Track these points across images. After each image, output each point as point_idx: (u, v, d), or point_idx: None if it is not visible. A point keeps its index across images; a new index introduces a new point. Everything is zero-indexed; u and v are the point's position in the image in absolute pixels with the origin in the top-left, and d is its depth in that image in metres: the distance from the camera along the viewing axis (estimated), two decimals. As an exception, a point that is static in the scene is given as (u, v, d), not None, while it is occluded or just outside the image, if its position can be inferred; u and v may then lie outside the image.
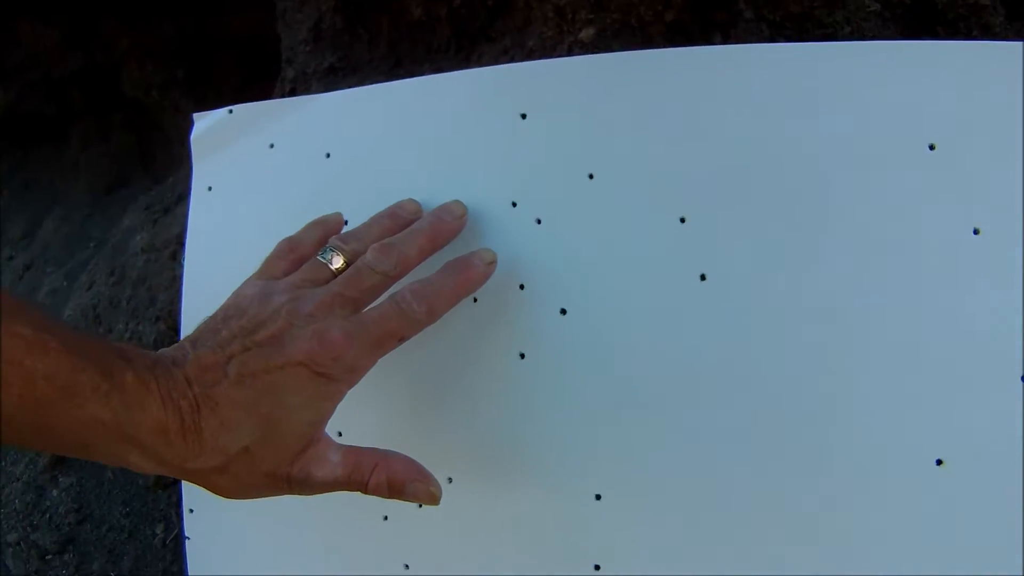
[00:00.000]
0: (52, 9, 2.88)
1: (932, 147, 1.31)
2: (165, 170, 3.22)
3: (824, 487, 1.28)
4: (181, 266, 2.35)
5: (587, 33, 1.51)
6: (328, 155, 1.64)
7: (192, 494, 1.78)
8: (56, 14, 2.91)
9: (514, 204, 1.47)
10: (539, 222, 1.46)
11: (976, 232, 1.29)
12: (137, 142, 3.33)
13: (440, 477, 1.38)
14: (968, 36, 1.72)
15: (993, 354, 1.24)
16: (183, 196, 2.55)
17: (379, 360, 1.29)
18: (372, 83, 1.67)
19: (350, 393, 1.28)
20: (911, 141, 1.31)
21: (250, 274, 1.44)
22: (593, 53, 1.46)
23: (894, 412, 1.27)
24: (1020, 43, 1.36)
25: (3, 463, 2.51)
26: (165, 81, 3.06)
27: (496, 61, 1.65)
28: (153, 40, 2.99)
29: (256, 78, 2.96)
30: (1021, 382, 1.25)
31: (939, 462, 1.26)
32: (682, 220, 1.39)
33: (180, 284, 2.01)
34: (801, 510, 1.29)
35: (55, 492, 2.46)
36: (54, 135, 3.40)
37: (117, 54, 3.04)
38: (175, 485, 2.38)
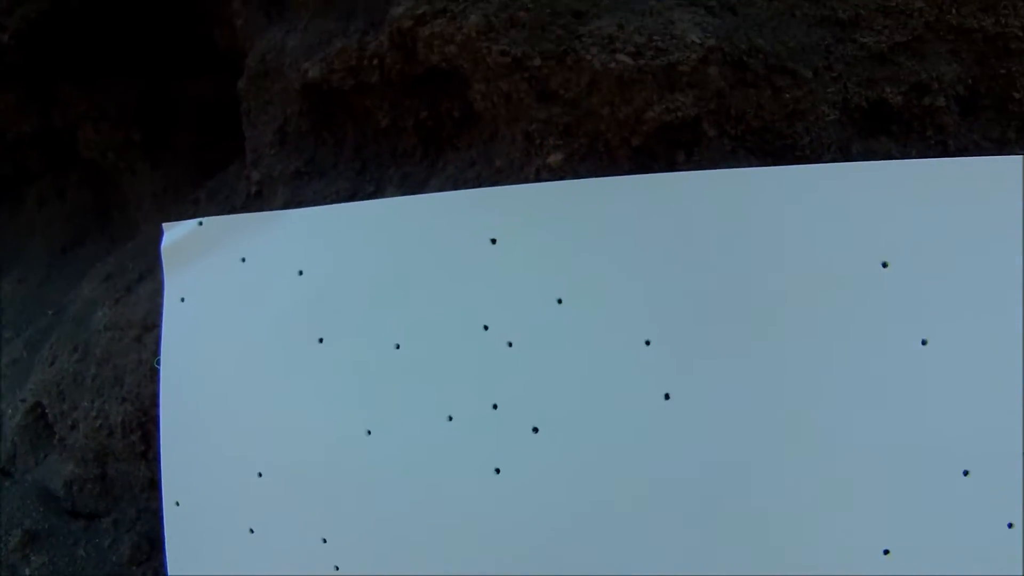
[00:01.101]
0: (7, 72, 2.84)
1: (885, 264, 1.42)
2: (122, 231, 3.20)
3: None
4: (147, 349, 2.37)
5: (555, 158, 1.56)
6: (300, 272, 1.67)
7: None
8: (11, 77, 2.88)
9: (486, 327, 1.53)
10: (510, 345, 1.53)
11: (924, 343, 1.40)
12: (93, 202, 3.30)
13: (424, 586, 1.44)
14: (923, 135, 1.81)
15: (941, 454, 1.37)
16: (144, 275, 2.55)
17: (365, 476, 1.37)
18: (338, 188, 1.71)
19: (339, 507, 1.39)
20: (865, 259, 1.42)
21: (227, 385, 1.49)
22: (560, 177, 1.52)
23: (845, 509, 1.40)
24: (971, 159, 1.46)
25: (-29, 542, 2.49)
26: (122, 143, 3.04)
27: (462, 172, 1.70)
28: (110, 103, 2.98)
29: (213, 142, 2.97)
30: (963, 476, 1.37)
31: (886, 552, 1.38)
32: (647, 343, 1.47)
33: (155, 378, 2.03)
34: None
35: (27, 571, 2.46)
36: (10, 195, 3.36)
37: (73, 116, 3.02)
38: (149, 562, 2.40)
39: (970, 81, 1.80)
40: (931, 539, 1.39)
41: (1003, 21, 1.75)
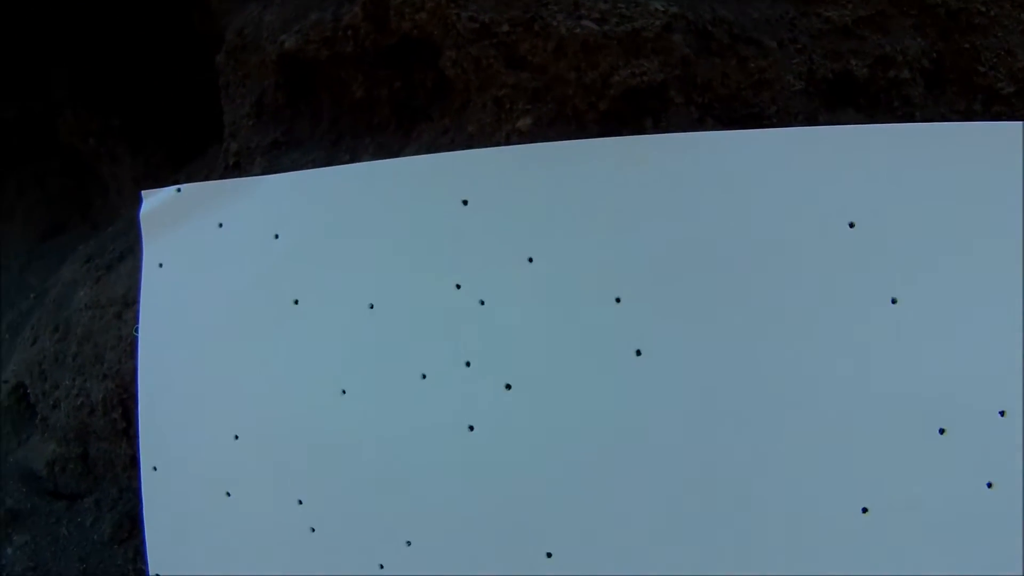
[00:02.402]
0: (-15, 59, 2.87)
1: (852, 225, 1.46)
2: (102, 217, 3.21)
3: (759, 542, 1.42)
4: (128, 326, 2.39)
5: (524, 122, 1.60)
6: (276, 236, 1.70)
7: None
8: (-11, 63, 2.90)
9: (458, 286, 1.56)
10: (482, 303, 1.56)
11: (894, 301, 1.43)
12: (74, 188, 3.32)
13: (399, 541, 1.47)
14: (889, 107, 1.85)
15: (913, 412, 1.40)
16: (125, 254, 2.57)
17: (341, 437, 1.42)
18: (315, 157, 1.74)
19: (315, 469, 1.41)
20: (832, 219, 1.45)
21: (204, 350, 1.50)
22: (530, 141, 1.55)
23: (822, 468, 1.42)
24: (934, 124, 1.50)
25: (-48, 522, 2.50)
26: (101, 129, 3.06)
27: (436, 140, 1.73)
28: (89, 88, 3.00)
29: (193, 126, 2.99)
30: (939, 434, 1.40)
31: (864, 510, 1.41)
32: (617, 300, 1.51)
33: (133, 347, 2.05)
34: (736, 561, 1.43)
35: (10, 551, 2.47)
36: (-11, 182, 3.37)
37: (53, 102, 3.03)
38: (130, 540, 2.42)
39: (934, 55, 1.84)
40: (909, 498, 1.41)
41: (966, -4, 1.79)
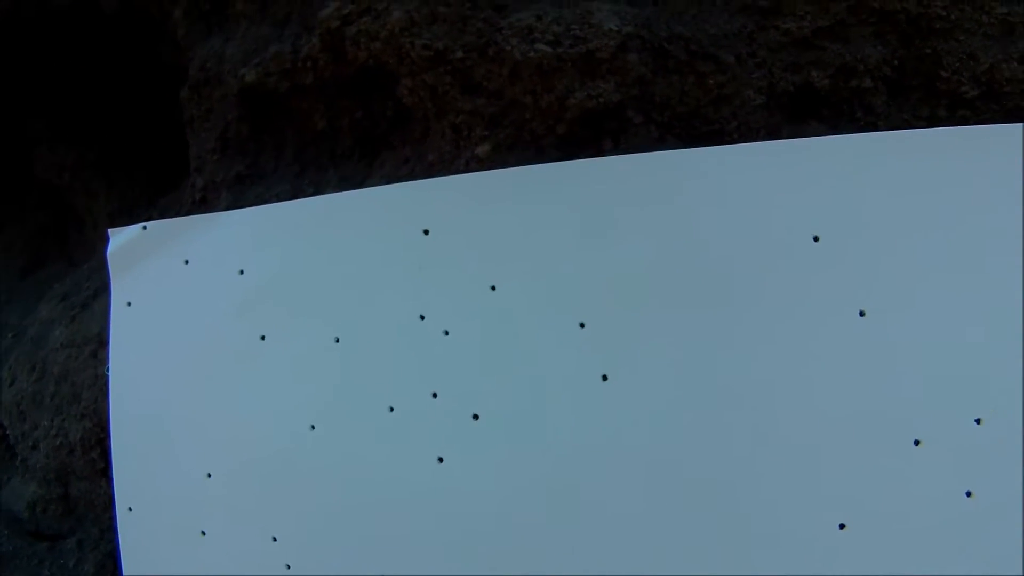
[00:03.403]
0: (-42, 96, 2.85)
1: (816, 239, 1.45)
2: (79, 251, 3.20)
3: (736, 562, 1.41)
4: (104, 365, 2.37)
5: (483, 148, 1.59)
6: (241, 271, 1.69)
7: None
8: (-38, 101, 2.88)
9: (422, 317, 1.55)
10: (447, 333, 1.55)
11: (862, 314, 1.42)
12: (52, 224, 3.30)
13: (373, 574, 1.45)
14: (852, 117, 1.84)
15: (885, 424, 1.39)
16: (99, 291, 2.55)
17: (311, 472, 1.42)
18: (279, 191, 1.73)
19: (287, 505, 1.45)
20: (796, 234, 1.44)
21: (174, 388, 1.50)
22: (489, 167, 1.54)
23: (796, 485, 1.40)
24: (896, 132, 1.49)
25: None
26: (77, 163, 3.05)
27: (397, 169, 1.73)
28: (64, 123, 2.99)
29: (166, 158, 2.98)
30: (913, 446, 1.39)
31: (842, 526, 1.40)
32: (581, 325, 1.50)
33: (106, 386, 2.03)
34: None
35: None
36: (-34, 221, 3.36)
37: (28, 137, 3.02)
38: None
39: (896, 62, 1.83)
40: (887, 511, 1.40)
41: (925, 2, 1.78)
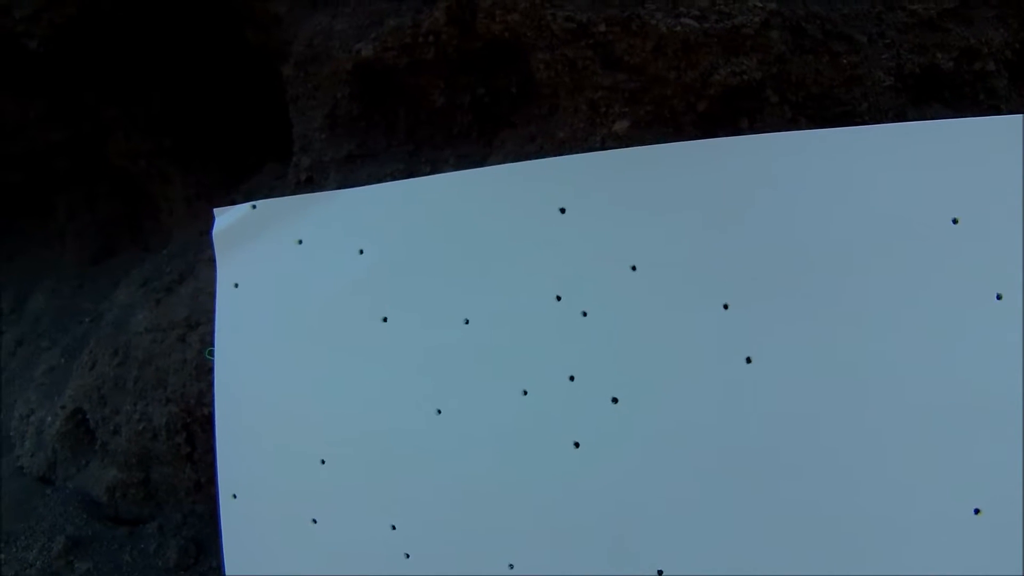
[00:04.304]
0: (36, 80, 2.83)
1: (955, 221, 1.39)
2: (153, 239, 3.18)
3: (870, 547, 1.37)
4: (191, 349, 2.35)
5: (621, 125, 1.54)
6: (361, 251, 1.65)
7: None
8: (40, 85, 2.86)
9: (559, 298, 1.50)
10: (585, 314, 1.50)
11: (999, 298, 1.37)
12: (124, 211, 3.29)
13: (501, 564, 1.40)
14: (975, 100, 1.79)
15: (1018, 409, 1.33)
16: (184, 275, 2.53)
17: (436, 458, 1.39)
18: (392, 170, 1.68)
19: (408, 492, 1.44)
20: (935, 217, 1.39)
21: (285, 371, 1.45)
22: (627, 145, 1.49)
23: (934, 469, 1.36)
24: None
25: (15, 548, 2.46)
26: (152, 150, 3.02)
27: (520, 148, 1.68)
28: (139, 109, 2.96)
29: (246, 144, 2.96)
30: None
31: (977, 511, 1.34)
32: (725, 306, 1.45)
33: (196, 370, 2.00)
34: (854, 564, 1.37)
35: (72, 578, 2.43)
36: (40, 206, 3.35)
37: (103, 124, 3.00)
38: (196, 566, 2.36)
39: (1018, 46, 1.79)
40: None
41: (1047, -14, 1.74)
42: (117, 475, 2.54)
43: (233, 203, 2.74)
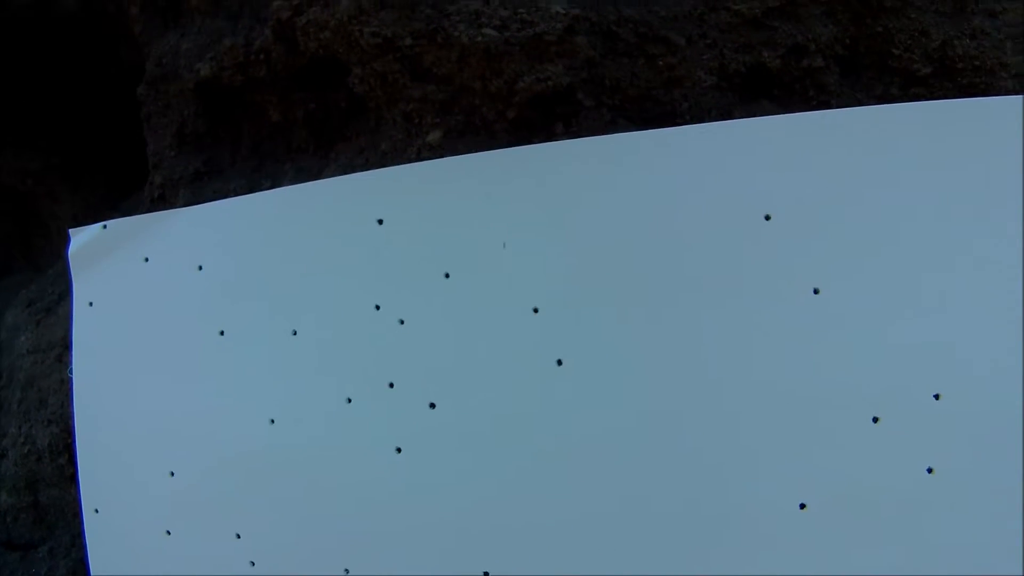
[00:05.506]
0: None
1: (767, 217, 1.45)
2: (44, 258, 3.17)
3: (694, 544, 1.43)
4: (69, 369, 2.36)
5: (434, 136, 1.59)
6: (200, 267, 1.69)
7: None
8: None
9: (377, 307, 1.55)
10: (402, 322, 1.54)
11: (816, 292, 1.42)
12: (16, 231, 3.27)
13: (337, 567, 1.46)
14: (804, 96, 1.85)
15: (842, 401, 1.39)
16: (64, 294, 2.53)
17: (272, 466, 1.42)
18: (236, 185, 1.72)
19: (249, 501, 1.47)
20: (748, 213, 1.45)
21: (137, 386, 1.50)
22: (441, 155, 1.54)
23: (756, 466, 1.40)
24: (851, 110, 1.49)
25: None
26: (41, 168, 3.02)
27: (352, 160, 1.72)
28: (27, 128, 2.96)
29: (131, 162, 2.96)
30: (873, 423, 1.39)
31: (802, 506, 1.40)
32: (535, 310, 1.50)
33: (70, 390, 2.02)
34: (673, 563, 1.42)
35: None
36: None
37: (-10, 144, 2.99)
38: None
39: (848, 41, 1.83)
40: (847, 490, 1.39)
41: (875, -20, 1.79)
42: (7, 500, 2.54)
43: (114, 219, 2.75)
